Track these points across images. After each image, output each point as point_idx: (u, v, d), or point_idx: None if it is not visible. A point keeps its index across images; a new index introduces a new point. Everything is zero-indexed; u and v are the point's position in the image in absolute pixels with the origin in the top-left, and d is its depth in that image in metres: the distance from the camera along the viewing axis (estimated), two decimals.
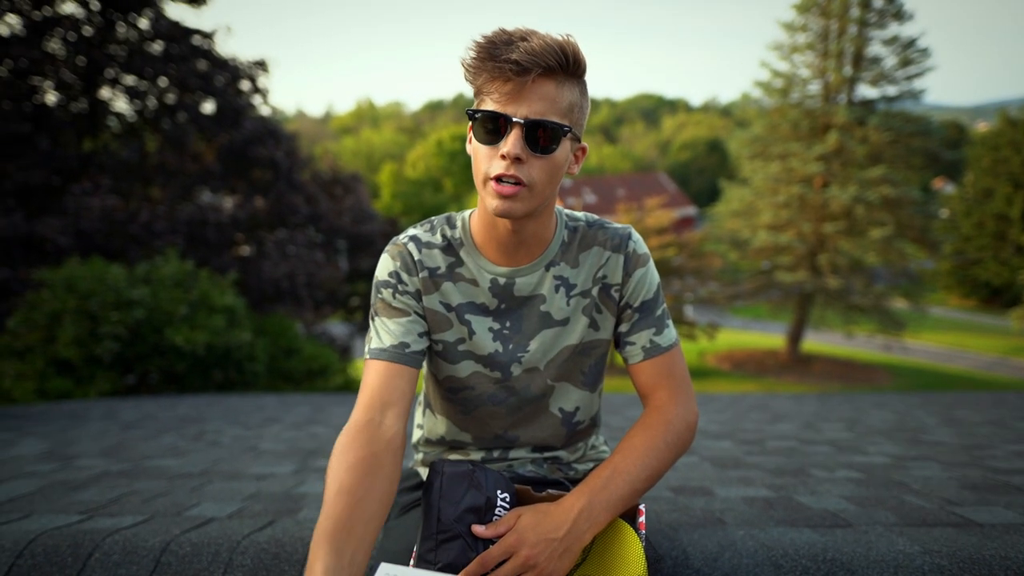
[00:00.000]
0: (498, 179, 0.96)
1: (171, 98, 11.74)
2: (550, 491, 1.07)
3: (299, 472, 2.18)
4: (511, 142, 0.95)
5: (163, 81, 11.50)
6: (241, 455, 2.58)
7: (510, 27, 0.97)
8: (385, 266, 1.11)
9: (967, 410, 4.24)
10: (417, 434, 1.33)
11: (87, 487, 1.93)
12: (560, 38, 0.95)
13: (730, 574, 1.24)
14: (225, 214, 11.82)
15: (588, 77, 1.04)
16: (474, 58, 0.95)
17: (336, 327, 14.79)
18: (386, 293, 1.10)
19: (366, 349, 1.09)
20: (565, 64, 0.95)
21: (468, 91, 1.04)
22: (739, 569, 1.24)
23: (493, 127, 0.96)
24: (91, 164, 11.04)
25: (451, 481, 1.00)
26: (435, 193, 44.43)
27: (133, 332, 6.74)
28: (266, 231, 12.70)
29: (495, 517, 0.99)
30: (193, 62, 11.46)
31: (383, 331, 1.08)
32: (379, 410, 0.99)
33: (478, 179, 1.00)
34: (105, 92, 11.49)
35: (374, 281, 1.13)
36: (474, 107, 0.99)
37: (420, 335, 1.09)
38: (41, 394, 6.36)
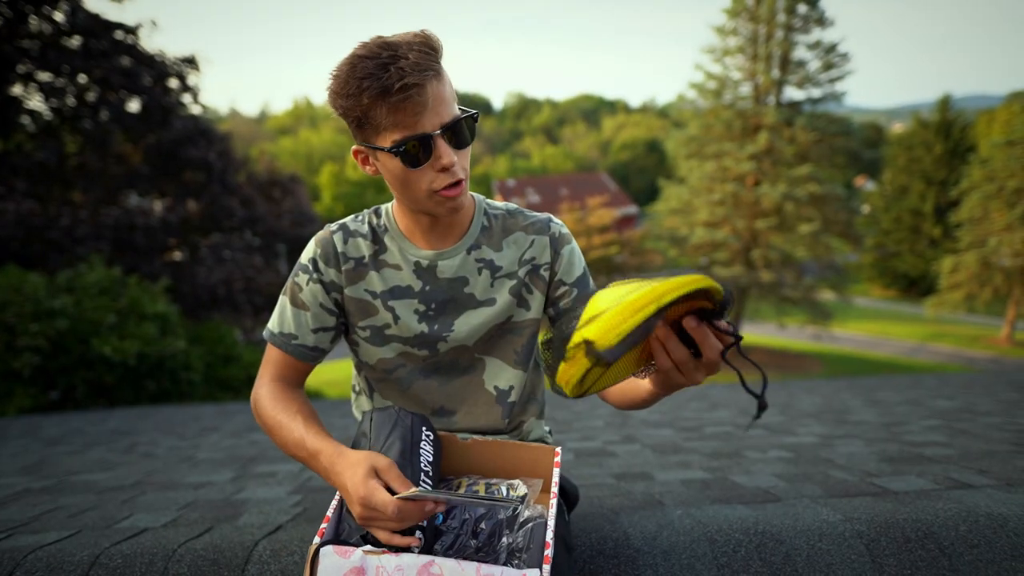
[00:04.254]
0: (444, 187, 1.01)
1: (92, 96, 11.08)
2: (475, 437, 1.16)
3: (239, 479, 2.12)
4: (444, 154, 0.99)
5: (82, 78, 10.85)
6: (177, 465, 2.48)
7: (360, 49, 0.95)
8: (308, 251, 1.16)
9: (888, 392, 4.53)
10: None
11: (6, 505, 1.81)
12: (419, 36, 0.96)
13: (668, 551, 1.29)
14: (155, 218, 11.27)
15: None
16: (363, 95, 0.93)
17: None
18: (302, 278, 1.15)
19: (268, 323, 1.18)
20: (439, 59, 0.98)
21: None
22: (677, 546, 1.30)
23: (419, 151, 0.98)
24: (3, 166, 10.30)
25: (380, 416, 1.08)
26: (377, 194, 43.71)
27: (55, 344, 6.35)
28: (200, 235, 12.18)
29: (421, 451, 1.03)
30: (116, 58, 10.84)
31: (281, 315, 1.16)
32: (286, 379, 1.16)
33: (417, 195, 1.03)
34: (17, 89, 10.73)
35: (297, 261, 1.18)
36: (380, 142, 0.98)
37: (314, 331, 1.15)
38: None
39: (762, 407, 0.78)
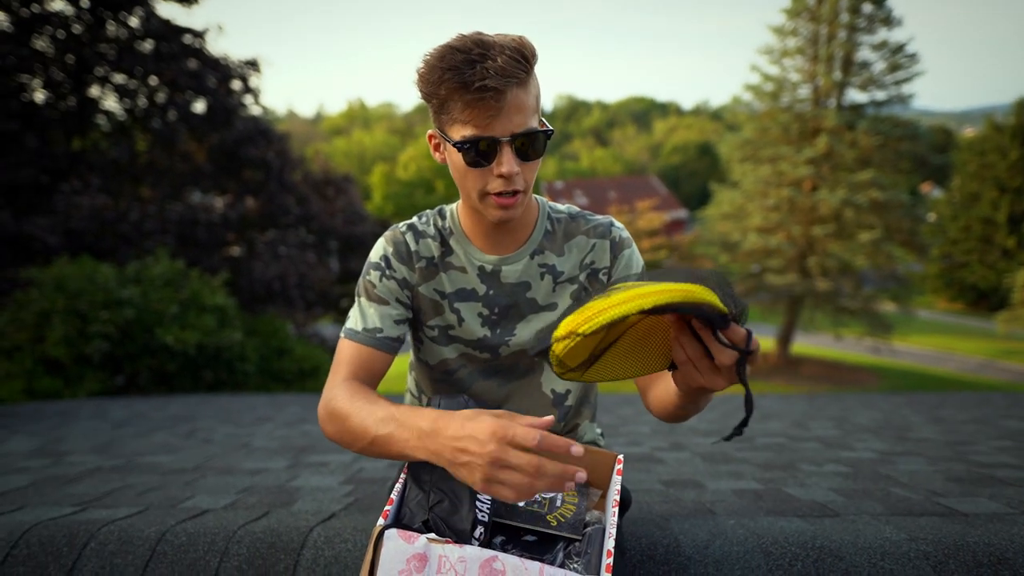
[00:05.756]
0: (498, 193, 1.01)
1: (161, 97, 11.66)
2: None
3: (293, 467, 2.18)
4: (506, 162, 0.98)
5: (153, 80, 11.43)
6: (234, 452, 2.58)
7: (456, 41, 0.95)
8: (379, 250, 1.16)
9: (952, 409, 4.30)
10: None
11: (80, 481, 1.92)
12: (515, 41, 0.97)
13: (721, 561, 1.26)
14: (216, 214, 11.75)
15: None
16: (442, 86, 0.95)
17: (327, 328, 14.72)
18: (374, 275, 1.14)
19: (345, 325, 1.14)
20: (528, 69, 0.97)
21: None
22: (729, 556, 1.27)
23: (482, 152, 0.98)
24: (80, 163, 10.94)
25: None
26: (427, 194, 44.34)
27: (123, 332, 6.69)
28: (257, 231, 12.63)
29: None
30: (184, 61, 11.38)
31: (361, 313, 1.13)
32: (361, 380, 1.08)
33: (472, 193, 1.04)
34: (95, 90, 11.38)
35: (366, 261, 1.18)
36: (451, 134, 1.00)
37: (396, 322, 1.13)
38: (29, 394, 6.30)
39: (738, 431, 0.80)
